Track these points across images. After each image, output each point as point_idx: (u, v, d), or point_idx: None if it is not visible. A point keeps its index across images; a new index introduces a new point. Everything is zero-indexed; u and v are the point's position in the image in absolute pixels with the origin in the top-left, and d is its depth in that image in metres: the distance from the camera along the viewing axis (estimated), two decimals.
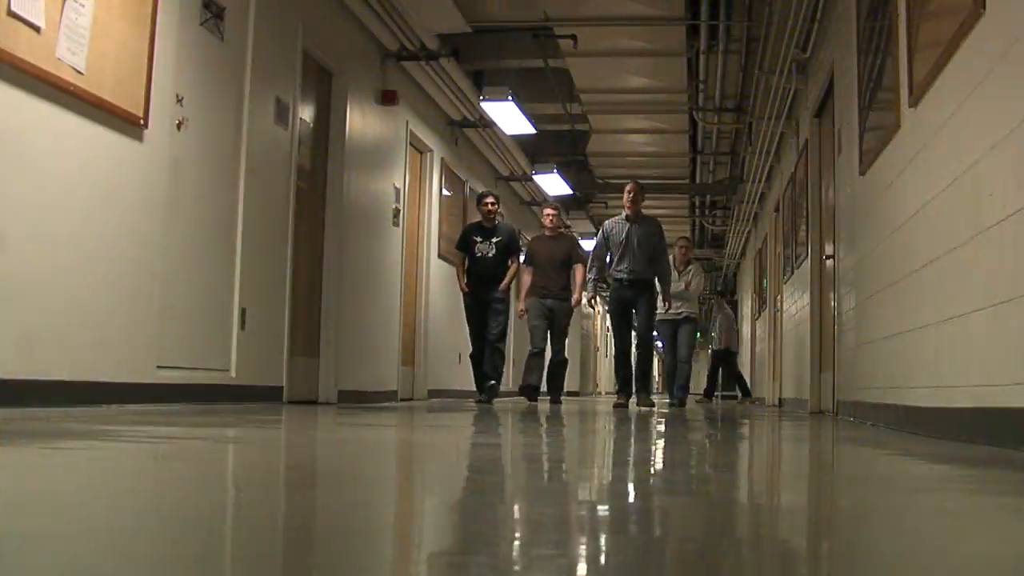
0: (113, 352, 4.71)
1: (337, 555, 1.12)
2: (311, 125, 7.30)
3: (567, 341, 9.84)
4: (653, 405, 8.61)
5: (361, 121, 8.02)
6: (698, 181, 14.59)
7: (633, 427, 4.85)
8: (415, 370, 9.88)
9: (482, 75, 10.36)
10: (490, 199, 9.10)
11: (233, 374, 5.81)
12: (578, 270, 9.50)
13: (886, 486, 2.18)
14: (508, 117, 10.25)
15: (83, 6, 4.36)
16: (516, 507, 1.63)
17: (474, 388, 9.08)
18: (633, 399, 8.68)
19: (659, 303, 8.92)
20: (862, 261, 5.91)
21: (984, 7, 3.38)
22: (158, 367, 5.05)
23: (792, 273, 10.12)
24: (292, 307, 6.64)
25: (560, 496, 1.82)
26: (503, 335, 9.01)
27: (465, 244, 9.11)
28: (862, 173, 5.79)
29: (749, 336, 17.45)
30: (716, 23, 8.74)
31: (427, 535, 1.34)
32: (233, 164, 5.91)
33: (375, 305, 8.34)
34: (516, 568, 1.05)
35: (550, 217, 9.68)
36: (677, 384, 10.23)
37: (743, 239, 16.88)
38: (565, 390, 10.17)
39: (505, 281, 8.98)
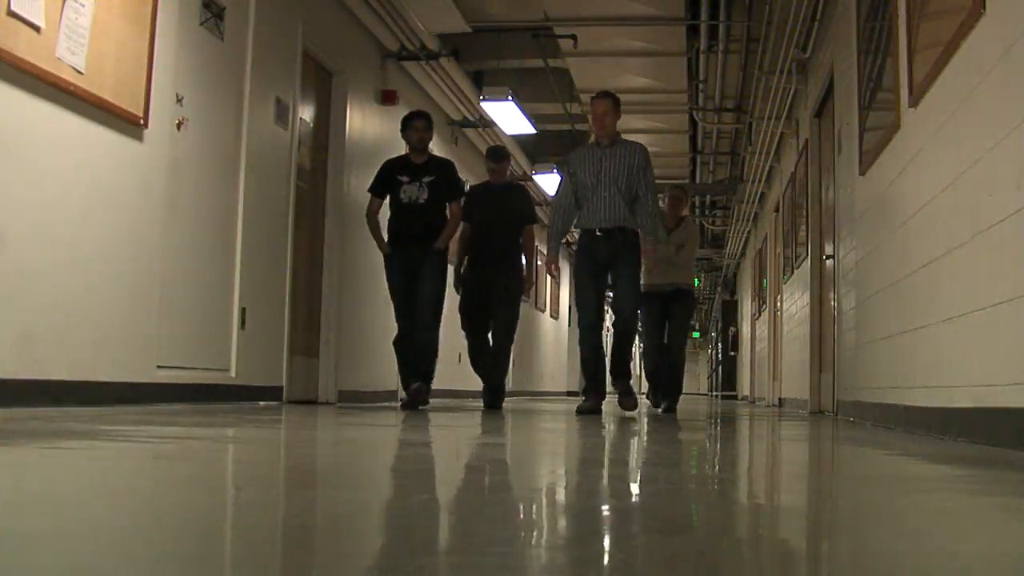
0: (113, 352, 4.70)
1: (337, 555, 1.12)
2: (311, 125, 7.30)
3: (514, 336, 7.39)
4: (636, 407, 6.46)
5: (361, 121, 8.02)
6: (698, 181, 14.59)
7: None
8: None
9: (482, 75, 10.36)
10: (420, 122, 6.64)
11: (233, 374, 5.81)
12: (529, 232, 7.26)
13: (886, 486, 2.18)
14: (508, 117, 10.25)
15: (83, 6, 4.36)
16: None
17: (473, 389, 8.66)
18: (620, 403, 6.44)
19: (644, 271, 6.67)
20: (862, 261, 5.91)
21: (984, 7, 3.38)
22: (158, 367, 5.04)
23: (792, 273, 10.12)
24: (292, 307, 6.64)
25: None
26: (438, 314, 6.54)
27: (384, 186, 6.57)
28: (862, 173, 5.79)
29: (749, 336, 17.44)
30: (716, 23, 8.74)
31: (426, 535, 1.34)
32: (233, 164, 5.90)
33: (375, 305, 8.33)
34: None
35: (494, 170, 7.19)
36: (666, 381, 7.65)
37: (743, 239, 16.88)
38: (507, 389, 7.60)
39: (443, 237, 6.49)
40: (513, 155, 12.60)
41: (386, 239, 6.58)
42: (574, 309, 6.22)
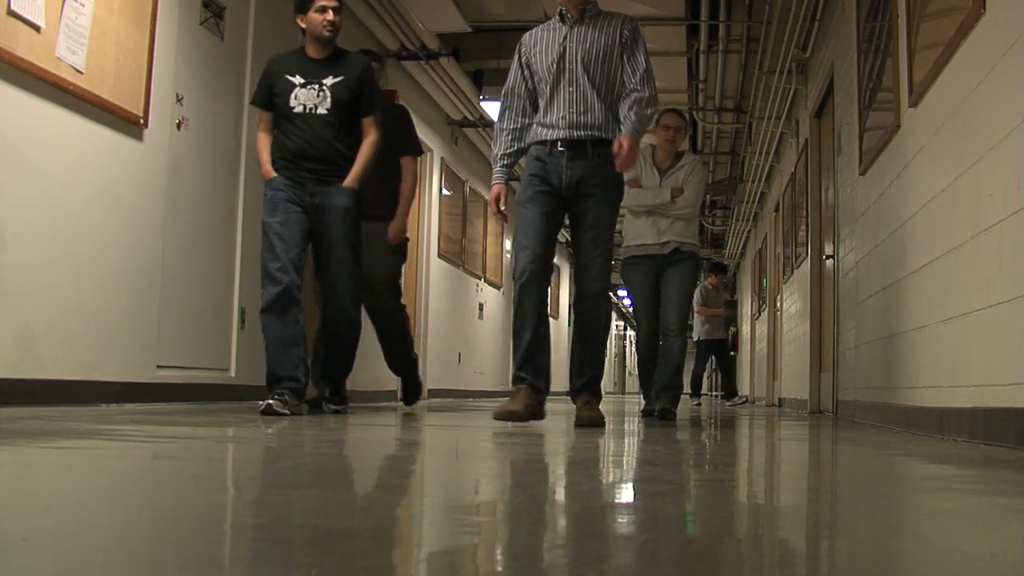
0: (113, 351, 4.71)
1: (337, 555, 1.12)
2: None
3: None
4: (601, 421, 4.13)
5: None
6: None
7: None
8: None
9: (482, 75, 10.36)
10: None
11: (233, 374, 5.81)
12: (411, 165, 5.51)
13: (886, 486, 2.17)
14: None
15: (83, 5, 4.36)
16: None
17: (474, 388, 8.34)
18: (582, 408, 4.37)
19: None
20: (862, 261, 5.91)
21: (984, 7, 3.38)
22: (158, 367, 5.05)
23: (792, 273, 10.12)
24: None
25: None
26: (355, 280, 4.71)
27: (270, 93, 4.66)
28: (862, 173, 5.79)
29: (749, 336, 17.44)
30: (716, 23, 8.74)
31: (426, 535, 1.34)
32: (233, 164, 5.91)
33: None
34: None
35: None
36: (660, 374, 5.63)
37: (743, 239, 16.88)
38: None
39: (357, 169, 4.62)
40: None
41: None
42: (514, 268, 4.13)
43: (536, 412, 3.94)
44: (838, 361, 7.07)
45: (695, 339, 12.91)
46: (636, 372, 6.84)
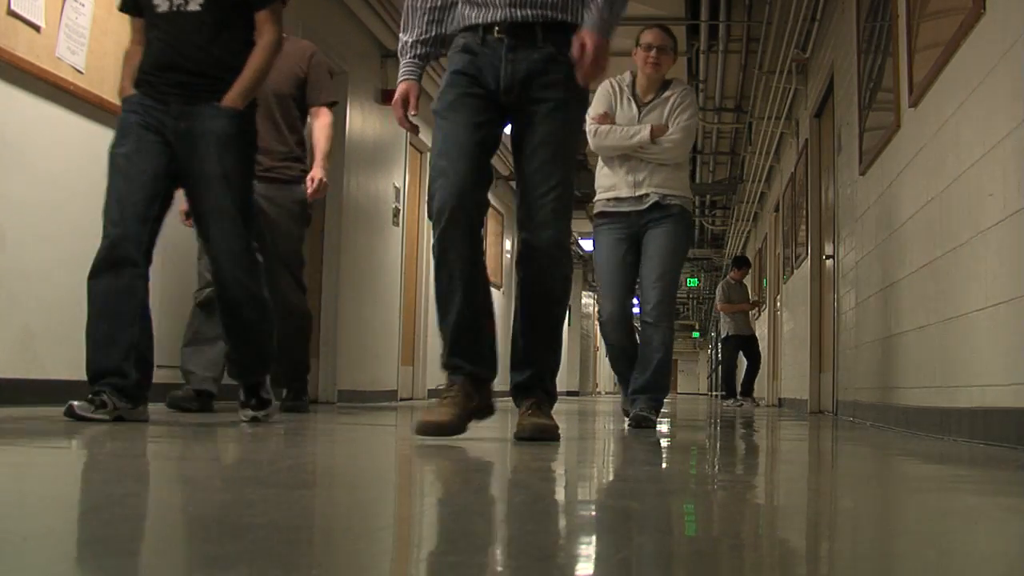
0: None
1: (337, 555, 1.12)
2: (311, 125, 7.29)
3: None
4: (553, 432, 2.93)
5: (361, 121, 8.02)
6: (698, 181, 14.59)
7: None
8: (415, 370, 9.88)
9: None
10: None
11: None
12: (322, 117, 4.76)
13: (886, 486, 2.18)
14: None
15: (83, 5, 4.36)
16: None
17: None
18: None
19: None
20: (862, 261, 5.91)
21: (984, 7, 3.38)
22: (158, 366, 5.04)
23: (792, 273, 10.12)
24: None
25: None
26: (245, 237, 3.46)
27: None
28: (862, 173, 5.79)
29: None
30: (716, 23, 8.74)
31: (425, 534, 1.34)
32: None
33: (375, 305, 8.34)
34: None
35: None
36: (638, 373, 4.38)
37: (743, 239, 16.88)
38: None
39: (243, 84, 3.45)
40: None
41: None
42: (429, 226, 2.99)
43: (477, 412, 2.88)
44: (838, 361, 7.07)
45: (723, 336, 12.80)
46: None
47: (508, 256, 14.15)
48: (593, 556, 1.16)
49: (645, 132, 4.37)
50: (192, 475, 1.96)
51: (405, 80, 3.07)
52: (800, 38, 7.87)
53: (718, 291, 12.99)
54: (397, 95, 3.04)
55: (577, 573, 1.05)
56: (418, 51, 3.09)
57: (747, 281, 13.07)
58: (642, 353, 4.41)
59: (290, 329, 4.54)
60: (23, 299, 4.09)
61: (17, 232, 4.04)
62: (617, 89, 4.53)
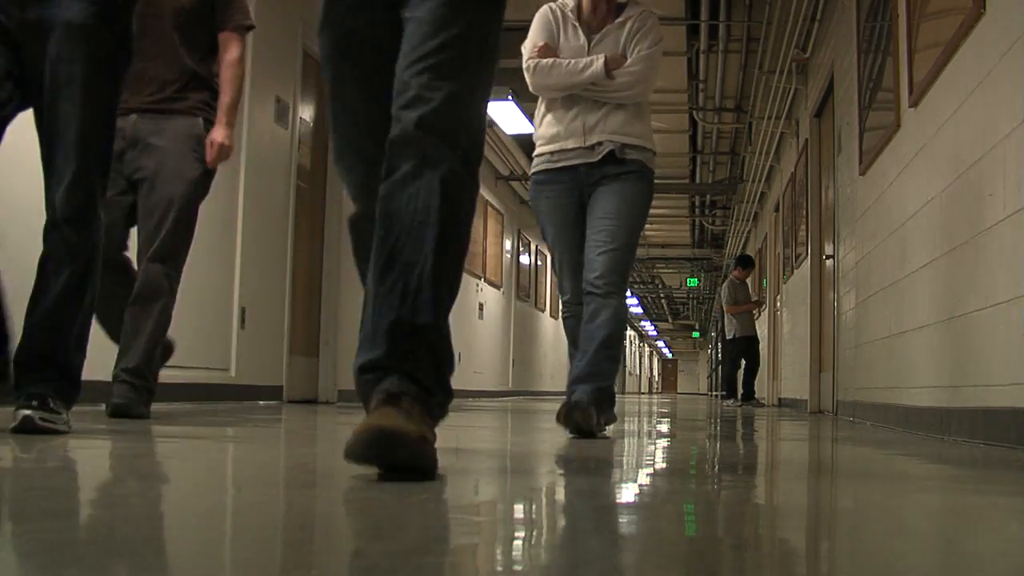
0: (112, 351, 4.70)
1: (337, 555, 1.12)
2: (311, 124, 7.29)
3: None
4: (430, 467, 1.66)
5: None
6: (698, 181, 14.60)
7: None
8: None
9: None
10: None
11: (233, 373, 5.81)
12: (231, 50, 3.79)
13: (886, 486, 2.17)
14: (508, 117, 10.25)
15: None
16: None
17: (475, 388, 8.38)
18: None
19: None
20: (862, 261, 5.91)
21: (984, 7, 3.38)
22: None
23: (792, 273, 10.12)
24: (292, 307, 6.64)
25: None
26: (106, 159, 2.78)
27: None
28: (862, 173, 5.79)
29: None
30: (716, 23, 8.74)
31: (425, 534, 1.34)
32: (233, 164, 5.91)
33: None
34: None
35: None
36: (586, 347, 3.40)
37: (743, 239, 16.88)
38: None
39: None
40: (513, 155, 12.59)
41: None
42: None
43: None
44: (838, 361, 7.07)
45: (729, 337, 12.63)
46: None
47: (508, 256, 14.15)
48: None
49: (598, 64, 3.49)
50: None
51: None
52: (800, 38, 7.88)
53: (723, 291, 12.87)
54: None
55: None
56: None
57: (748, 281, 13.03)
58: (585, 330, 3.43)
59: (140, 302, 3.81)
60: (23, 299, 4.09)
61: (17, 232, 4.03)
62: (559, 15, 3.65)
